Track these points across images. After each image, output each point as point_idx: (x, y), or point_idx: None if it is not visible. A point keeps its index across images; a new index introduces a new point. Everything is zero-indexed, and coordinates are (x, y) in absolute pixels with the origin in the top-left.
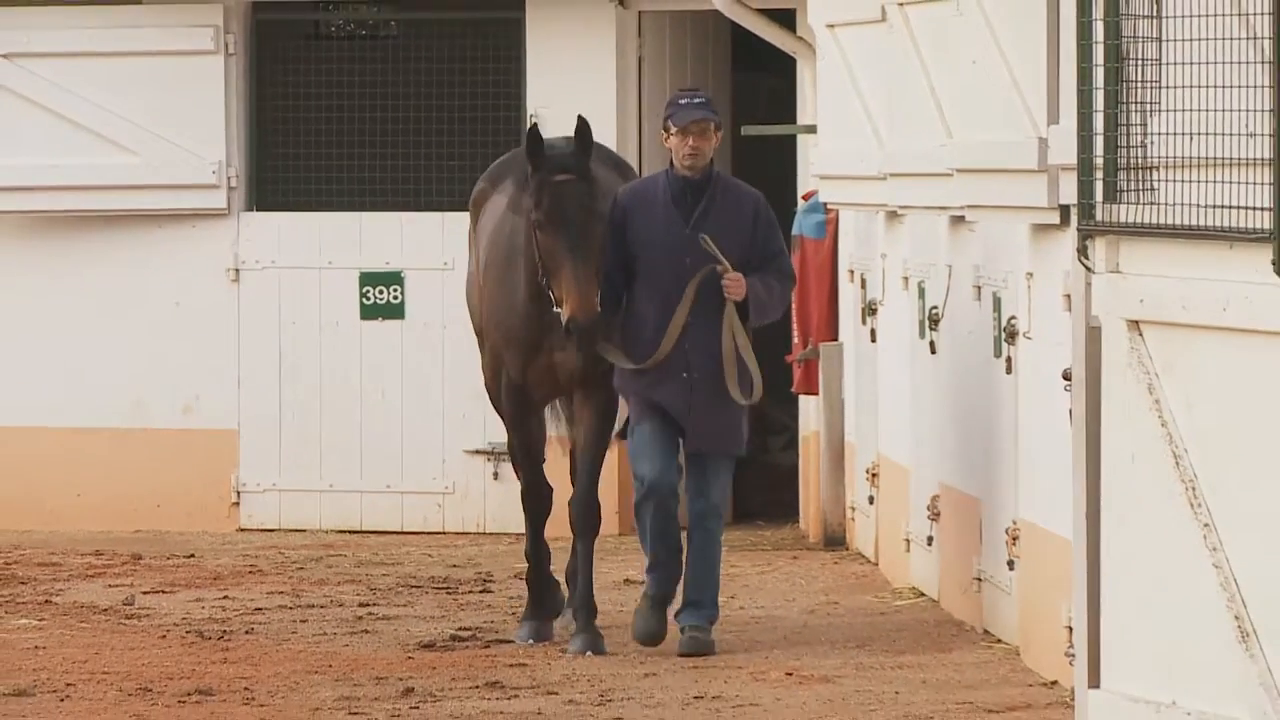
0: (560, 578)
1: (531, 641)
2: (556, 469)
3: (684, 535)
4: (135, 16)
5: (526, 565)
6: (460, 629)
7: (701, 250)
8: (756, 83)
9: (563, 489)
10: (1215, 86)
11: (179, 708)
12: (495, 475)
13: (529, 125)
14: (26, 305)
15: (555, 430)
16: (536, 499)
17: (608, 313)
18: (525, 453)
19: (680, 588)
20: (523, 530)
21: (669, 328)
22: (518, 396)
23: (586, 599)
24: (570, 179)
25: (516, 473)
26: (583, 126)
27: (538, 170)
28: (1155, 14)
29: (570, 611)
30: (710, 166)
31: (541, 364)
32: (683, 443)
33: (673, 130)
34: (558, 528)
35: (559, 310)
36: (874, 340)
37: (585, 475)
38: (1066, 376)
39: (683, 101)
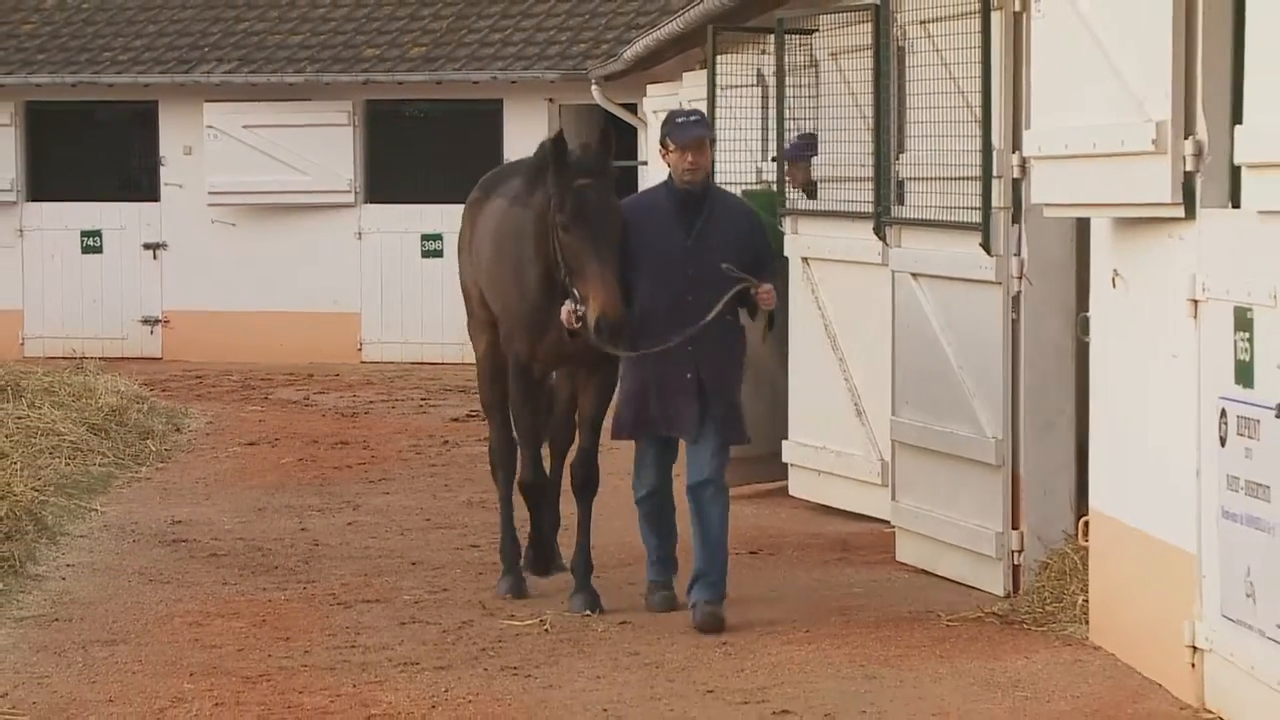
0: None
1: (510, 597)
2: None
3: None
4: (307, 105)
5: (526, 544)
6: (471, 411)
7: (703, 255)
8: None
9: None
10: (850, 142)
11: (331, 449)
12: None
13: (555, 135)
14: (252, 252)
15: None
16: (538, 486)
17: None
18: (531, 433)
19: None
20: None
21: (686, 333)
22: (525, 378)
23: (584, 557)
24: (591, 182)
25: (494, 476)
26: (606, 132)
27: (561, 174)
28: (816, 113)
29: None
30: (708, 179)
31: (549, 343)
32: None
33: (672, 147)
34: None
35: (583, 308)
36: None
37: (587, 441)
38: None
39: (680, 120)
